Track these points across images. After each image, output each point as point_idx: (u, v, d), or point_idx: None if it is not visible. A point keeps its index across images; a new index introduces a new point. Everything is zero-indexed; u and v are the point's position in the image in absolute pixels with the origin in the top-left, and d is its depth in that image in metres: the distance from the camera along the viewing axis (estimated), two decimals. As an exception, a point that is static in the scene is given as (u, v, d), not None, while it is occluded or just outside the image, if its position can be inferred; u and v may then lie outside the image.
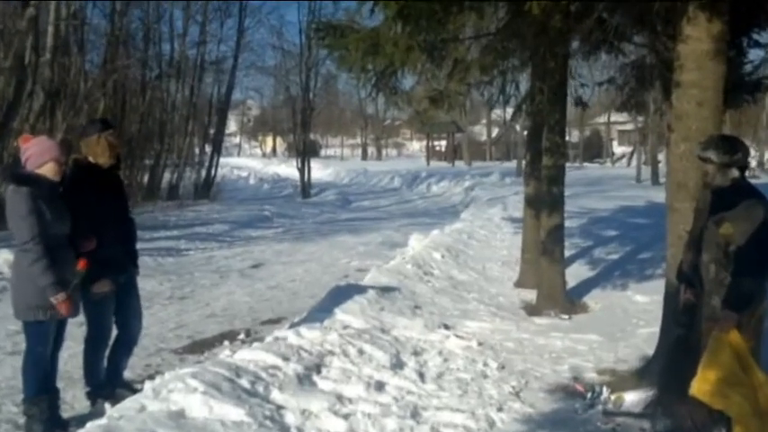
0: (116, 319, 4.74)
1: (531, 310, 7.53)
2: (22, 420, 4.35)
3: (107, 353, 4.76)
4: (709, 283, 3.83)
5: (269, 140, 67.68)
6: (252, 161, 51.77)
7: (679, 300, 4.24)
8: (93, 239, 4.37)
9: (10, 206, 4.10)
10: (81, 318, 4.59)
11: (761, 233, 3.63)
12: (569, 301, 7.62)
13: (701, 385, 3.53)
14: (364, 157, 57.78)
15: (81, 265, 4.22)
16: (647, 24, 6.26)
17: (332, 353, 5.28)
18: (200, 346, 6.39)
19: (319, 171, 35.25)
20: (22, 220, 4.03)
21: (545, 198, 7.77)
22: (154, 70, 24.64)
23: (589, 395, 4.80)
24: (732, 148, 3.81)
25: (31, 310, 4.12)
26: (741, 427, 3.48)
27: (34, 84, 13.77)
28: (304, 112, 28.08)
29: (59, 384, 4.56)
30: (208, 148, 28.92)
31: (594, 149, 48.75)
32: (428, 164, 42.83)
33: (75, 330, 5.09)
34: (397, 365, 5.30)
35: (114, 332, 4.79)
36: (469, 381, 5.16)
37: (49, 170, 4.19)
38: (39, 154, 4.20)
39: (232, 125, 57.30)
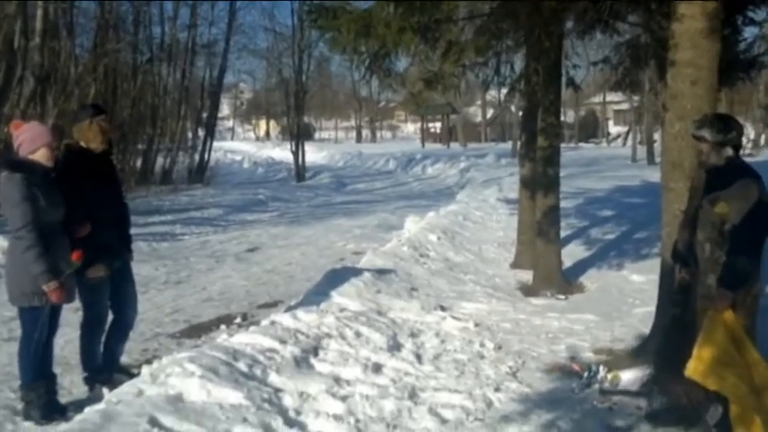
0: (111, 305, 4.74)
1: (528, 290, 7.55)
2: (20, 406, 4.34)
3: (103, 338, 4.77)
4: (705, 262, 3.84)
5: (262, 124, 67.52)
6: (245, 145, 51.63)
7: (674, 279, 4.25)
8: (87, 225, 4.35)
9: (4, 193, 4.08)
10: (77, 303, 4.58)
11: (756, 212, 3.62)
12: (565, 282, 7.64)
13: (697, 365, 3.54)
14: (359, 139, 57.72)
15: (76, 256, 4.20)
16: (641, 3, 6.24)
17: (329, 335, 5.29)
18: (197, 331, 6.39)
19: (313, 154, 35.16)
20: (16, 206, 4.00)
21: (540, 179, 7.76)
22: (145, 54, 24.46)
23: (586, 374, 4.81)
24: (726, 127, 3.80)
25: (25, 296, 4.11)
26: (737, 406, 3.50)
27: (24, 69, 13.65)
28: (297, 94, 27.97)
29: (57, 370, 4.56)
30: (201, 132, 28.84)
31: (590, 129, 48.82)
32: (423, 146, 42.79)
33: (71, 316, 5.08)
34: (395, 347, 5.32)
35: (110, 317, 4.78)
36: (466, 361, 5.17)
37: (41, 156, 4.17)
38: (31, 140, 4.17)
39: (225, 109, 57.11)
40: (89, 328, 4.68)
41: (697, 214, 3.90)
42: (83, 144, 4.54)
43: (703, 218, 3.83)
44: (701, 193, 3.89)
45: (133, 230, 5.08)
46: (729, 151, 3.79)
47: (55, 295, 4.08)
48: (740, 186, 3.68)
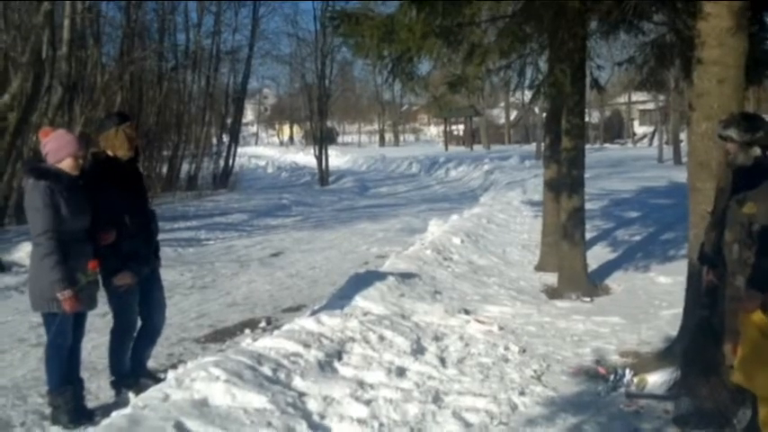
0: (140, 311, 4.77)
1: (553, 293, 7.50)
2: (48, 411, 4.41)
3: (131, 344, 4.81)
4: (733, 263, 3.77)
5: (286, 129, 67.95)
6: (269, 150, 52.00)
7: (702, 281, 4.19)
8: (112, 233, 4.40)
9: (28, 199, 4.15)
10: (104, 308, 4.63)
11: None
12: (591, 284, 7.57)
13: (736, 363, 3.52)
14: (382, 143, 57.76)
15: (92, 266, 4.23)
16: (666, 2, 6.17)
17: (353, 339, 5.29)
18: (222, 335, 6.43)
19: (337, 158, 35.28)
20: (38, 212, 4.06)
21: (565, 180, 7.70)
22: (170, 61, 24.73)
23: (612, 378, 4.77)
24: (753, 126, 3.73)
25: (45, 302, 4.15)
26: (766, 409, 3.44)
27: (52, 78, 13.84)
28: (320, 99, 28.06)
29: (84, 374, 4.62)
30: (225, 138, 29.03)
31: (615, 130, 48.39)
32: (446, 149, 42.70)
33: (98, 321, 5.15)
34: (418, 351, 5.30)
35: (138, 323, 4.82)
36: (491, 365, 5.15)
37: (66, 165, 4.21)
38: (56, 150, 4.22)
39: (249, 114, 57.59)
40: (119, 335, 4.72)
41: (724, 215, 3.84)
42: (109, 152, 4.58)
43: (731, 218, 3.76)
44: (728, 193, 3.83)
45: (159, 236, 5.12)
46: (757, 151, 3.72)
47: (68, 304, 4.09)
48: None
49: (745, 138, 3.70)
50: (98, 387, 4.93)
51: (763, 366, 3.44)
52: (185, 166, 25.11)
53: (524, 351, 5.49)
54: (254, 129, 68.06)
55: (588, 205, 8.33)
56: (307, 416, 4.05)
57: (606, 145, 40.84)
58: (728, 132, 3.75)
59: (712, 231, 3.98)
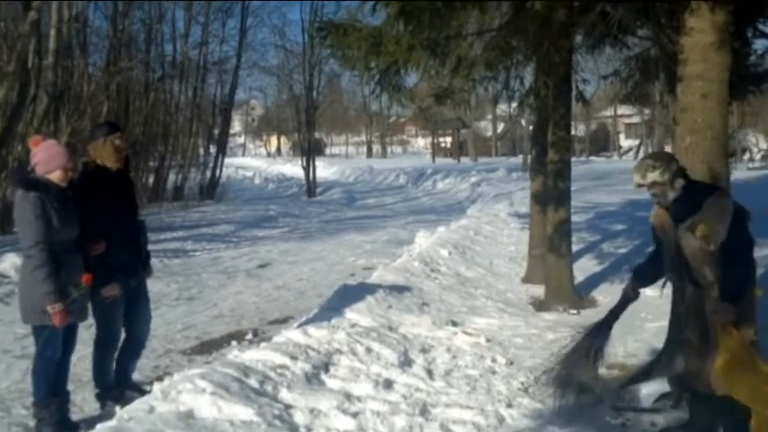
0: (124, 322, 4.75)
1: (540, 305, 7.52)
2: (32, 423, 4.36)
3: (116, 355, 4.78)
4: (709, 284, 3.76)
5: (273, 140, 67.94)
6: (257, 161, 51.94)
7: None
8: (101, 243, 4.37)
9: (18, 211, 4.11)
10: (89, 320, 4.59)
11: (735, 222, 3.59)
12: (577, 296, 7.60)
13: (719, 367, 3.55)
14: (369, 154, 57.88)
15: (85, 279, 4.19)
16: (650, 17, 6.25)
17: (340, 351, 5.27)
18: (209, 347, 6.39)
19: (324, 170, 35.26)
20: (29, 224, 4.03)
21: (551, 193, 7.74)
22: (157, 72, 24.71)
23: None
24: (666, 162, 3.76)
25: (37, 315, 4.11)
26: (759, 419, 3.47)
27: (38, 87, 13.77)
28: (308, 110, 28.09)
29: (69, 387, 4.56)
30: (212, 149, 29.00)
31: (601, 143, 48.80)
32: (433, 160, 42.82)
33: (84, 333, 5.08)
34: (406, 363, 5.30)
35: (123, 334, 4.79)
36: (478, 377, 5.15)
37: (56, 177, 4.18)
38: (46, 161, 4.18)
39: (236, 125, 57.52)
40: (102, 346, 4.69)
41: (679, 248, 3.82)
42: (98, 162, 4.56)
43: (687, 246, 3.73)
44: (673, 227, 3.81)
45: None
46: (681, 181, 3.75)
47: (57, 318, 4.04)
48: (713, 204, 3.64)
49: (666, 177, 3.72)
50: (83, 399, 4.89)
51: (742, 375, 3.48)
52: (172, 177, 25.02)
53: (511, 363, 5.49)
54: (241, 140, 68.07)
55: (574, 218, 8.37)
56: (293, 428, 4.03)
57: (592, 158, 41.15)
58: (650, 179, 3.74)
59: (673, 272, 3.98)
